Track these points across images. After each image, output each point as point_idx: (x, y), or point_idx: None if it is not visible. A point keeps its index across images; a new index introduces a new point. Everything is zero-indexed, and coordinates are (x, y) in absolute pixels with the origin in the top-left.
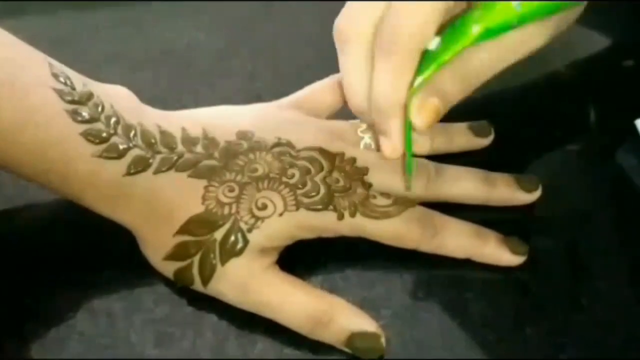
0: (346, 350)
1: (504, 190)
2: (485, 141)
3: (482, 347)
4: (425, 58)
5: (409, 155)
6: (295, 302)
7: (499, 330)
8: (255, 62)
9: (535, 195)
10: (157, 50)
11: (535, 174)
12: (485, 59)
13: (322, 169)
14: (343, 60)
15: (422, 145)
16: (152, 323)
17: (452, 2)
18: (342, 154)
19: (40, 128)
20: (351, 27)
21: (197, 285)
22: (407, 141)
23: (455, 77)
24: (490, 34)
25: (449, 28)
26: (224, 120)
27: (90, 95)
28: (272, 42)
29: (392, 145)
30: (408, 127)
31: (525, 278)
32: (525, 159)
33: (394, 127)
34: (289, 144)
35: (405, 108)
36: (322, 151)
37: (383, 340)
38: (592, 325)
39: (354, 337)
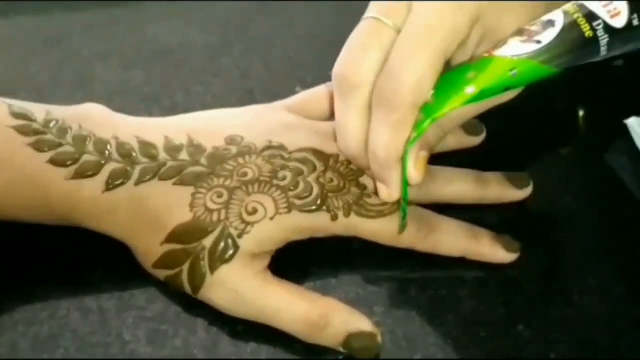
0: (342, 351)
1: (497, 189)
2: (476, 140)
3: (475, 344)
4: (420, 109)
5: (404, 201)
6: (290, 309)
7: (491, 327)
8: (248, 61)
9: (527, 191)
10: (150, 48)
11: (526, 172)
12: (461, 113)
13: (315, 169)
14: (342, 107)
15: None
16: (144, 321)
17: (450, 52)
18: (337, 156)
19: (7, 168)
20: (352, 74)
21: (189, 293)
22: (404, 188)
23: (435, 128)
24: (483, 95)
25: (441, 79)
26: (212, 125)
27: (54, 122)
28: (265, 41)
29: (391, 192)
30: (404, 176)
31: (516, 275)
32: (517, 157)
33: (393, 178)
34: (281, 147)
35: (402, 159)
36: (315, 152)
37: (379, 339)
38: (583, 322)
39: (351, 339)
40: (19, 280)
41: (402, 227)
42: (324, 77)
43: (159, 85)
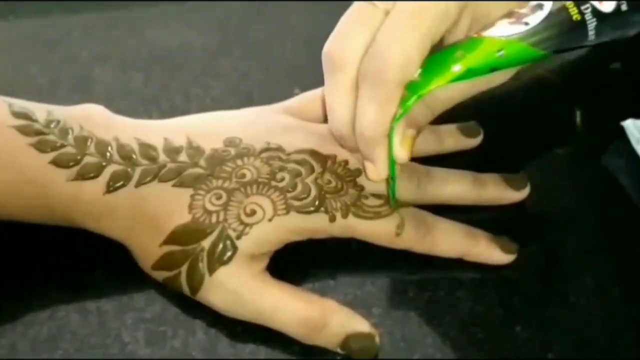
0: (340, 352)
1: (494, 190)
2: (474, 142)
3: (473, 345)
4: (406, 87)
5: (392, 179)
6: (288, 310)
7: (489, 328)
8: (247, 63)
9: (524, 193)
10: (149, 51)
11: (523, 174)
12: (452, 91)
13: (313, 170)
14: (329, 86)
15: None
16: (143, 322)
17: (438, 35)
18: (334, 157)
19: (8, 168)
20: (339, 53)
21: (187, 294)
22: (391, 166)
23: (422, 107)
24: (470, 74)
25: (427, 60)
26: (210, 127)
27: (56, 122)
28: (264, 43)
29: (377, 170)
30: (391, 154)
31: (514, 276)
32: (514, 159)
33: (380, 155)
34: (279, 148)
35: (388, 136)
36: (313, 153)
37: (377, 339)
38: (580, 323)
39: (349, 339)
40: (18, 282)
41: (394, 205)
42: (322, 79)
43: (157, 87)
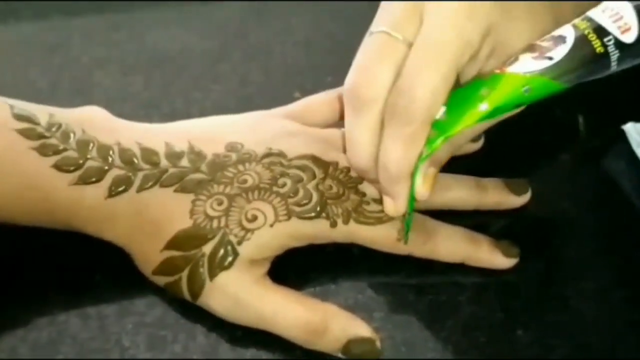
0: (342, 357)
1: (495, 195)
2: (475, 146)
3: (474, 349)
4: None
5: (409, 215)
6: (289, 314)
7: (490, 332)
8: (247, 67)
9: (526, 198)
10: (149, 55)
11: (525, 178)
12: (472, 130)
13: (314, 176)
14: (354, 122)
15: None
16: (144, 326)
17: (461, 66)
18: (336, 163)
19: (10, 172)
20: (366, 90)
21: (188, 299)
22: (410, 203)
23: (445, 144)
24: (496, 113)
25: (451, 96)
26: (212, 132)
27: (58, 126)
28: (264, 47)
29: (397, 207)
30: (412, 192)
31: (515, 281)
32: (515, 163)
33: (402, 193)
34: (280, 154)
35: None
36: (314, 159)
37: (379, 344)
38: (581, 326)
39: (350, 344)
40: (18, 286)
41: (406, 240)
42: (323, 82)
43: (158, 91)
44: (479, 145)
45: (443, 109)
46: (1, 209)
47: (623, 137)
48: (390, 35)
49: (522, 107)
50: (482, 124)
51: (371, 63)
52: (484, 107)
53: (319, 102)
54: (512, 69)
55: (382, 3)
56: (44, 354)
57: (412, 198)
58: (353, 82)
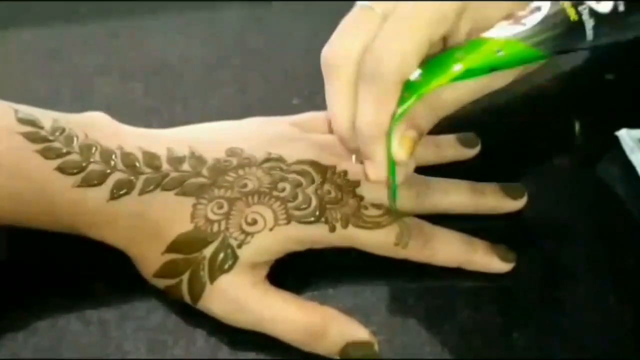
0: None
1: (492, 199)
2: (472, 152)
3: (471, 352)
4: (405, 87)
5: (393, 180)
6: (288, 317)
7: (486, 335)
8: (246, 74)
9: (522, 202)
10: (149, 62)
11: (521, 183)
12: (454, 94)
13: (313, 181)
14: (328, 88)
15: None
16: (144, 331)
17: (435, 37)
18: (334, 167)
19: (13, 174)
20: (337, 55)
21: (188, 302)
22: (391, 167)
23: (426, 109)
24: (469, 74)
25: (427, 61)
26: (212, 137)
27: (61, 130)
28: (263, 55)
29: (376, 170)
30: (390, 154)
31: (511, 285)
32: (511, 169)
33: (378, 154)
34: (280, 159)
35: (388, 136)
36: (313, 164)
37: (377, 347)
38: (577, 329)
39: (348, 347)
40: (19, 290)
41: (393, 206)
42: (321, 89)
43: (157, 98)
44: (475, 151)
45: (418, 71)
46: (4, 210)
47: (617, 144)
48: (368, 8)
49: (504, 80)
50: (463, 92)
51: (344, 31)
52: (457, 67)
53: (323, 115)
54: (486, 33)
55: None
56: (45, 358)
57: (392, 164)
58: (326, 50)
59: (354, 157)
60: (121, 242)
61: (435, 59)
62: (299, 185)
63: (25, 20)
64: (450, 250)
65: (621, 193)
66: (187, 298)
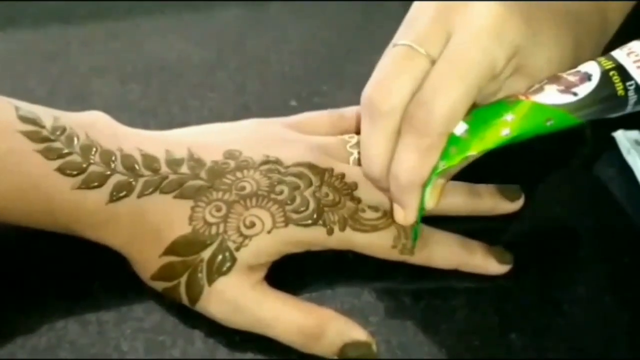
0: None
1: (489, 201)
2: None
3: (468, 353)
4: (450, 141)
5: (417, 224)
6: (286, 319)
7: (484, 336)
8: (244, 75)
9: (519, 203)
10: (147, 63)
11: (517, 184)
12: None
13: (311, 184)
14: (370, 131)
15: None
16: (142, 332)
17: (484, 83)
18: (331, 170)
19: (14, 173)
20: (385, 101)
21: (186, 304)
22: (419, 213)
23: None
24: (517, 139)
25: (473, 114)
26: (210, 139)
27: (62, 129)
28: (260, 56)
29: (408, 217)
30: (422, 203)
31: (509, 285)
32: (508, 170)
33: (413, 202)
34: (277, 161)
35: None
36: (311, 166)
37: (375, 348)
38: (573, 330)
39: (346, 348)
40: (17, 292)
41: (414, 246)
42: (319, 91)
43: (155, 99)
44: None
45: (464, 126)
46: (3, 209)
47: (613, 144)
48: (413, 49)
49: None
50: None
51: (391, 75)
52: (506, 132)
53: (319, 116)
54: (537, 98)
55: (408, 16)
56: (43, 359)
57: (421, 208)
58: (371, 92)
59: (351, 159)
60: (119, 244)
61: (480, 111)
62: (296, 187)
63: (24, 21)
64: (448, 252)
65: (617, 193)
66: (185, 300)
